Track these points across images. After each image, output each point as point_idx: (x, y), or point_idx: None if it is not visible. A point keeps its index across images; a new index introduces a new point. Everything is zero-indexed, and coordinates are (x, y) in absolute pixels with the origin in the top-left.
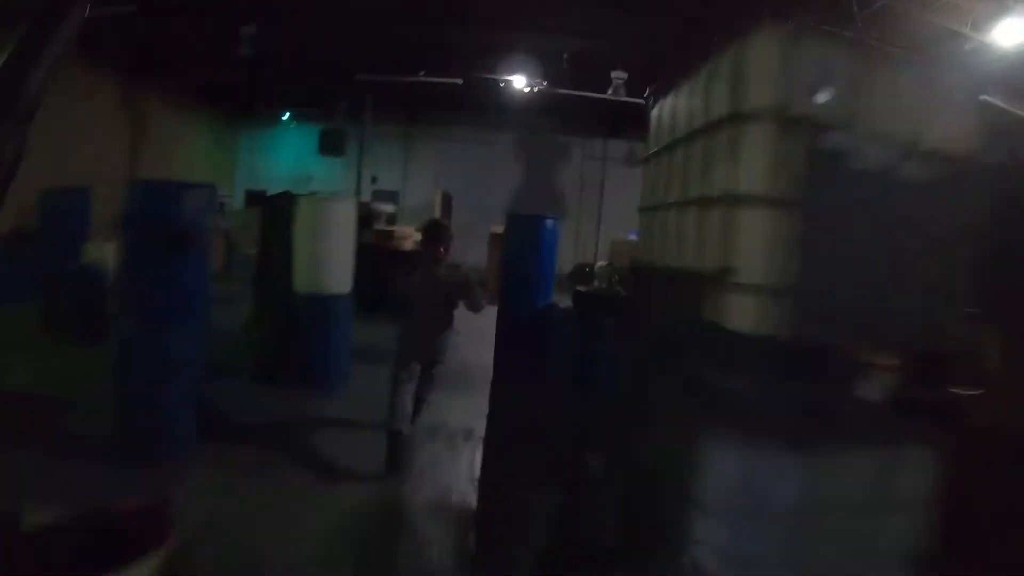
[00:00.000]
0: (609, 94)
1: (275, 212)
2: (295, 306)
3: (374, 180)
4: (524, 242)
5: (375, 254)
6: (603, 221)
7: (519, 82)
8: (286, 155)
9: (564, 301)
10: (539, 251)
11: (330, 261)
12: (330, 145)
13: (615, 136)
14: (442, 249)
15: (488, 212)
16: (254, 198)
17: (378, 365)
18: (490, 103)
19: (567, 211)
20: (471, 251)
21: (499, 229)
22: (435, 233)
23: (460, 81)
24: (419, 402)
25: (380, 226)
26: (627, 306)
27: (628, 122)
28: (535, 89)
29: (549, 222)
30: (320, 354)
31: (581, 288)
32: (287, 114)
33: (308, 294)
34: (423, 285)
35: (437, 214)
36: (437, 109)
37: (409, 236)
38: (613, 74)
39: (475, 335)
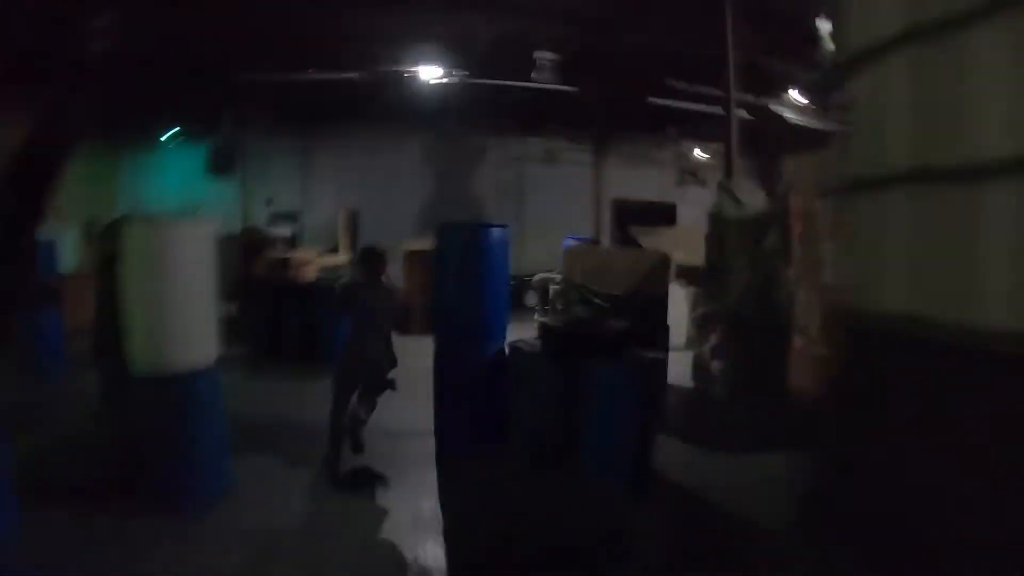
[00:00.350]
0: (533, 77)
1: (104, 249)
2: (134, 392)
3: (269, 203)
4: (464, 261)
5: (269, 289)
6: (526, 227)
7: (429, 73)
8: (172, 179)
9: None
10: (486, 273)
11: (179, 319)
12: (219, 164)
13: (532, 134)
14: (377, 274)
15: (400, 226)
16: None
17: (279, 455)
18: (397, 101)
19: (486, 219)
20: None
21: (414, 245)
22: (367, 260)
23: (359, 76)
24: (356, 423)
25: (275, 253)
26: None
27: (550, 114)
28: (448, 81)
29: (496, 232)
30: (175, 464)
31: (548, 319)
32: (170, 132)
33: (149, 374)
34: (360, 306)
35: (342, 233)
36: (336, 113)
37: (312, 262)
38: (537, 54)
39: (410, 387)
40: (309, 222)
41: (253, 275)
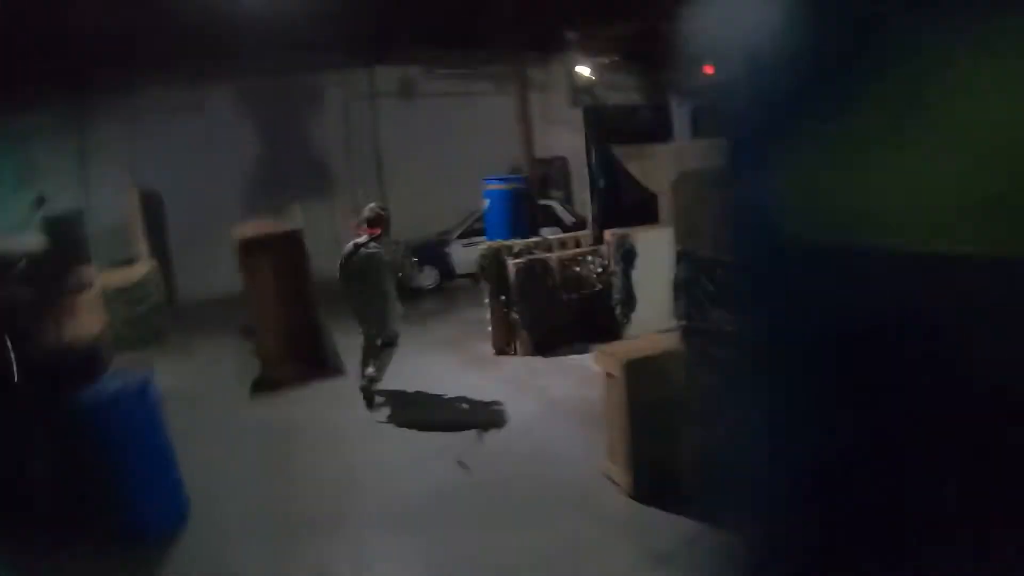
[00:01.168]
0: None
1: None
2: None
3: (40, 202)
4: None
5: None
6: (388, 184)
7: None
8: None
9: None
10: None
11: None
12: None
13: (383, 60)
14: (378, 231)
15: (221, 207)
16: None
17: None
18: (197, 23)
19: (333, 182)
20: (206, 277)
21: (248, 232)
22: (372, 222)
23: None
24: (369, 380)
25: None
26: None
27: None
28: None
29: None
30: None
31: None
32: None
33: None
34: (360, 265)
35: (137, 224)
36: (115, 54)
37: (88, 291)
38: None
39: None
40: (98, 220)
41: None
